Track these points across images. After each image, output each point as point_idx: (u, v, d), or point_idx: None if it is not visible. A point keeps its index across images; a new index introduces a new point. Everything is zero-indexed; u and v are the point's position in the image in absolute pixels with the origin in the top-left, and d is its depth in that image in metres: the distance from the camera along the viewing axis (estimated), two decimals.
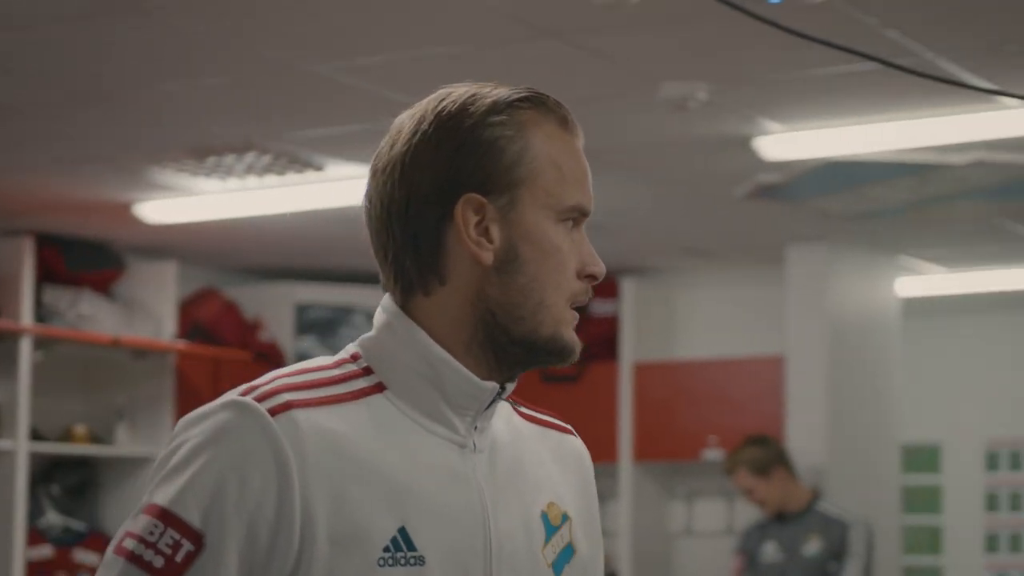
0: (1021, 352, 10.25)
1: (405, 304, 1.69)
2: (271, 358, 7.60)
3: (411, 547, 1.62)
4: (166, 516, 1.58)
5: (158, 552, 1.57)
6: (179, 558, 1.57)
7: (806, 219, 6.83)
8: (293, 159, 5.76)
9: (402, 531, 1.62)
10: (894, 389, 7.98)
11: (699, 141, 5.49)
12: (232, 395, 1.63)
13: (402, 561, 1.61)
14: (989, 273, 8.64)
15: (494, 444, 1.73)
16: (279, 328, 7.78)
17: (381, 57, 4.52)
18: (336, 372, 1.68)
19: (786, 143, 5.41)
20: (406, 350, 1.68)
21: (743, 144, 5.44)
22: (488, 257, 1.66)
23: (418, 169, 1.66)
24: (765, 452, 6.37)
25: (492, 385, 1.70)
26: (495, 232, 1.66)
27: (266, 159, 5.76)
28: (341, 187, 6.14)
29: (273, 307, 7.82)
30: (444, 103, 1.69)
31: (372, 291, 7.97)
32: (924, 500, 10.58)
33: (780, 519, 6.37)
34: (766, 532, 6.38)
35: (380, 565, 1.60)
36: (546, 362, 1.71)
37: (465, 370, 1.68)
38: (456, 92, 1.71)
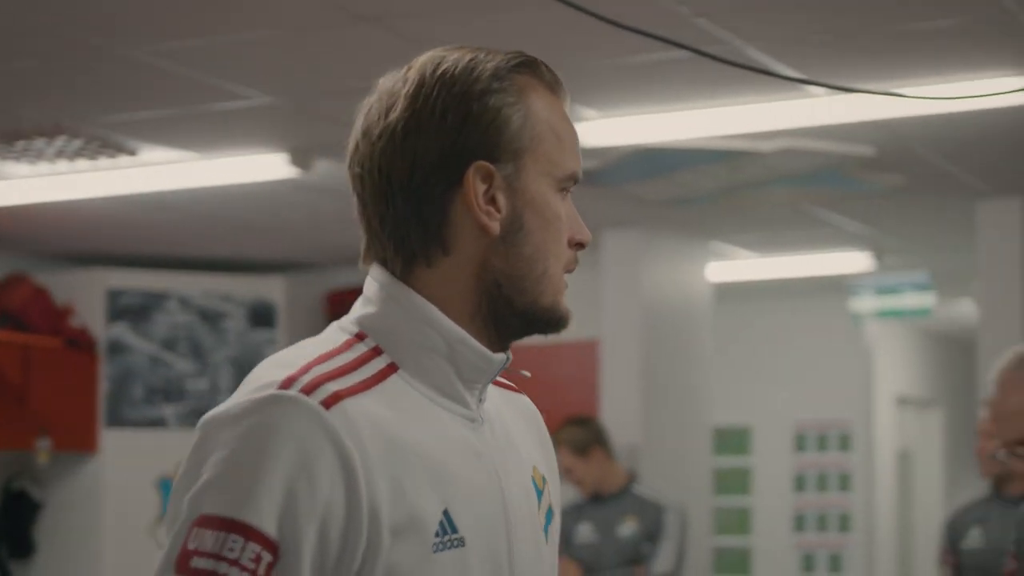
0: (828, 336, 10.50)
1: (405, 276, 1.63)
2: (82, 345, 7.47)
3: (454, 529, 1.57)
4: (238, 527, 1.46)
5: (243, 568, 1.45)
6: (261, 571, 1.45)
7: (621, 205, 6.91)
8: (105, 143, 5.66)
9: (446, 513, 1.56)
10: (706, 372, 8.12)
11: None
12: (270, 389, 1.52)
13: (449, 544, 1.56)
14: (797, 258, 8.83)
15: (487, 415, 1.69)
16: (90, 314, 7.64)
17: (196, 41, 4.46)
18: (352, 355, 1.59)
19: (600, 130, 5.47)
20: (416, 325, 1.61)
21: None
22: (496, 227, 1.61)
23: (423, 136, 1.60)
24: (585, 432, 6.43)
25: (502, 357, 1.66)
26: (501, 201, 1.61)
27: (77, 143, 5.65)
28: (154, 172, 6.05)
29: (84, 293, 7.67)
30: (444, 67, 1.63)
31: (185, 276, 7.92)
32: (734, 481, 10.78)
33: (596, 500, 6.44)
34: (582, 512, 6.44)
35: (435, 551, 1.54)
36: (542, 331, 1.67)
37: (479, 344, 1.63)
38: (453, 56, 1.65)
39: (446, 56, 1.65)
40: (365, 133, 1.64)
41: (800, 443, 10.68)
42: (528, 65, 1.67)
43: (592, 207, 6.93)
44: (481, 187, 1.61)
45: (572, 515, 6.45)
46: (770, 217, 7.46)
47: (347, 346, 1.60)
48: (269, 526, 1.46)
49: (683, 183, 6.51)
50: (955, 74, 4.73)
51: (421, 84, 1.63)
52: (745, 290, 9.91)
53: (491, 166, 1.61)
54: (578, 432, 6.44)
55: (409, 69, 1.66)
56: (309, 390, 1.51)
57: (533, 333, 1.68)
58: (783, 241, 8.29)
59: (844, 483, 10.52)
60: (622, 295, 7.51)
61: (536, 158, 1.63)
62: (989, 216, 6.80)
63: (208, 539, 1.46)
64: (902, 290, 9.21)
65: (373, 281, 1.65)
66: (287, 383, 1.51)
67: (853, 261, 8.74)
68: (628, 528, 6.40)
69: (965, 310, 9.94)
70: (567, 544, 6.39)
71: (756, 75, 4.33)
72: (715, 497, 9.27)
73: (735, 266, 8.90)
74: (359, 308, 1.65)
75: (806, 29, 4.40)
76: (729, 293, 9.44)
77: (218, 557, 1.45)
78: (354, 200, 1.66)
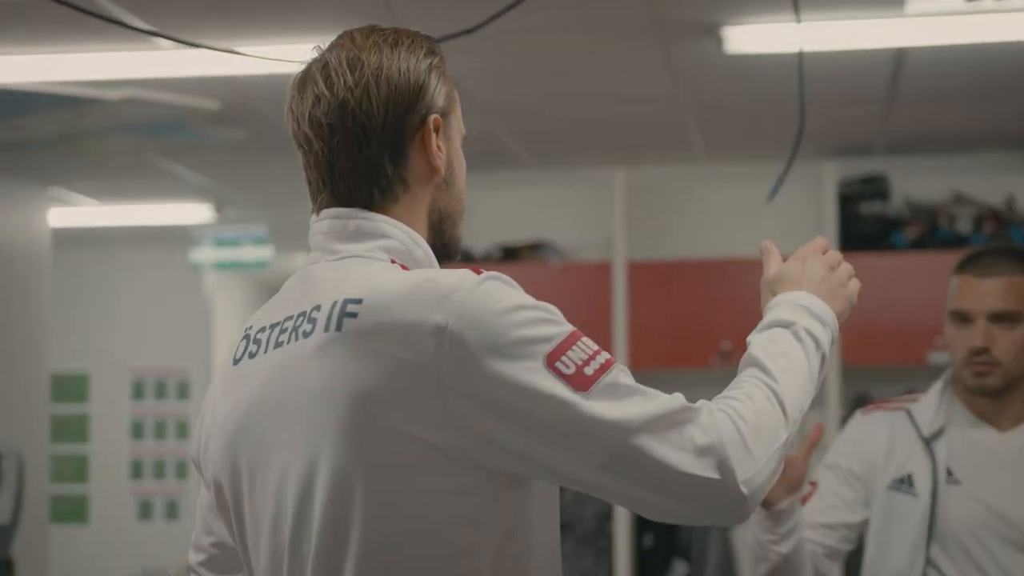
0: (169, 286, 10.62)
1: (381, 210, 1.91)
2: None
3: None
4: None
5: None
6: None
7: None
8: None
9: None
10: (44, 318, 8.05)
11: None
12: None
13: None
14: (140, 207, 8.88)
15: None
16: None
17: None
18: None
19: None
20: (418, 249, 1.92)
21: None
22: (443, 169, 1.95)
23: (398, 87, 1.91)
24: None
25: None
26: (443, 148, 1.95)
27: None
28: None
29: None
30: (401, 35, 1.95)
31: None
32: (72, 429, 10.72)
33: None
34: None
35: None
36: (449, 259, 1.99)
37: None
38: (394, 29, 1.96)
39: (390, 28, 1.96)
40: (330, 89, 1.91)
41: (137, 391, 10.74)
42: (435, 42, 2.00)
43: None
44: (434, 138, 1.93)
45: None
46: (114, 165, 7.47)
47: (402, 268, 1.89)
48: None
49: (24, 127, 6.43)
50: (292, 36, 4.96)
51: (383, 44, 1.93)
52: (87, 237, 9.85)
53: (441, 119, 1.94)
54: None
55: (352, 44, 1.93)
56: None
57: (442, 261, 1.97)
58: (126, 190, 8.32)
59: (181, 431, 10.68)
60: None
61: (456, 117, 1.99)
62: None
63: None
64: (241, 242, 9.46)
65: (352, 218, 1.91)
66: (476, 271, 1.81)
67: (195, 212, 8.89)
68: None
69: (300, 263, 10.30)
70: None
71: (106, 24, 4.37)
72: (52, 445, 9.20)
73: (77, 213, 8.84)
74: (362, 239, 1.91)
75: None
76: (70, 240, 9.37)
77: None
78: (311, 151, 1.93)
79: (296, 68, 1.99)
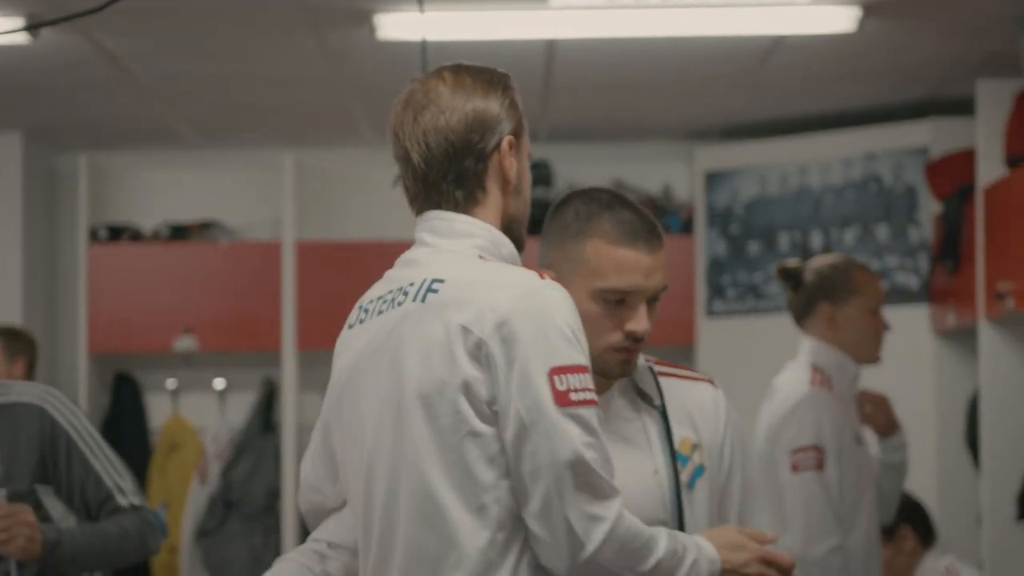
0: None
1: (466, 212, 2.39)
2: None
3: None
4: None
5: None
6: None
7: None
8: None
9: None
10: None
11: None
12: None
13: None
14: None
15: None
16: None
17: None
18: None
19: None
20: (503, 247, 2.40)
21: None
22: (513, 179, 2.41)
23: (485, 116, 2.38)
24: None
25: None
26: (514, 163, 2.41)
27: None
28: None
29: None
30: (485, 72, 2.42)
31: None
32: None
33: None
34: None
35: None
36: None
37: None
38: (479, 68, 2.43)
39: (469, 67, 2.43)
40: (433, 122, 2.38)
41: None
42: (509, 79, 2.46)
43: None
44: (508, 153, 2.40)
45: None
46: None
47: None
48: None
49: None
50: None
51: (475, 85, 2.40)
52: None
53: (515, 139, 2.41)
54: None
55: (453, 78, 2.41)
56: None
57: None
58: None
59: None
60: None
61: (524, 139, 2.44)
62: None
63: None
64: None
65: (450, 220, 2.38)
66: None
67: None
68: None
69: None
70: None
71: None
72: None
73: None
74: (456, 237, 2.37)
75: None
76: None
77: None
78: (410, 163, 2.39)
79: None
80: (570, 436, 2.23)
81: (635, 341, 2.50)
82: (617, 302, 2.49)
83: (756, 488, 2.69)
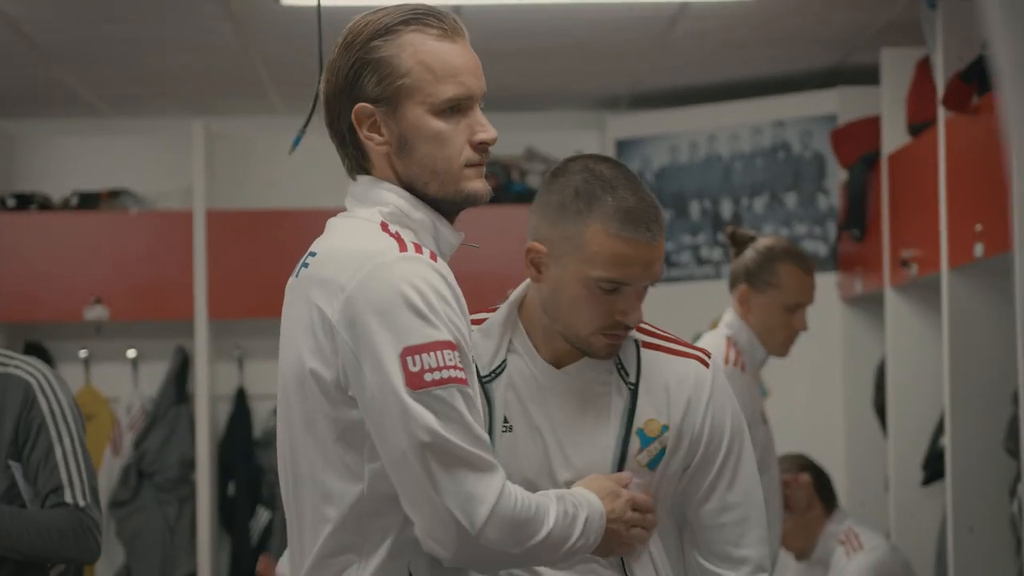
0: None
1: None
2: None
3: None
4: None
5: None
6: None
7: None
8: None
9: None
10: None
11: None
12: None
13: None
14: None
15: None
16: None
17: None
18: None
19: None
20: (416, 212, 2.25)
21: None
22: (383, 148, 2.24)
23: (337, 83, 2.24)
24: None
25: (462, 234, 2.32)
26: (385, 129, 2.23)
27: None
28: None
29: None
30: (349, 27, 2.24)
31: None
32: None
33: None
34: None
35: None
36: (460, 208, 2.28)
37: (448, 223, 2.29)
38: (362, 17, 2.24)
39: (361, 17, 2.24)
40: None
41: None
42: (413, 20, 2.22)
43: None
44: (366, 121, 2.23)
45: None
46: None
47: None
48: None
49: None
50: None
51: (339, 48, 2.24)
52: None
53: (368, 106, 2.22)
54: None
55: (347, 32, 2.26)
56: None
57: (457, 211, 2.29)
58: None
59: None
60: None
61: (412, 94, 2.21)
62: None
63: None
64: None
65: (363, 186, 2.26)
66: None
67: None
68: None
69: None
70: None
71: None
72: None
73: None
74: (367, 204, 2.24)
75: None
76: None
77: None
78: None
79: None
80: (424, 419, 2.10)
81: (625, 328, 2.44)
82: (611, 291, 2.41)
83: (748, 487, 2.62)
